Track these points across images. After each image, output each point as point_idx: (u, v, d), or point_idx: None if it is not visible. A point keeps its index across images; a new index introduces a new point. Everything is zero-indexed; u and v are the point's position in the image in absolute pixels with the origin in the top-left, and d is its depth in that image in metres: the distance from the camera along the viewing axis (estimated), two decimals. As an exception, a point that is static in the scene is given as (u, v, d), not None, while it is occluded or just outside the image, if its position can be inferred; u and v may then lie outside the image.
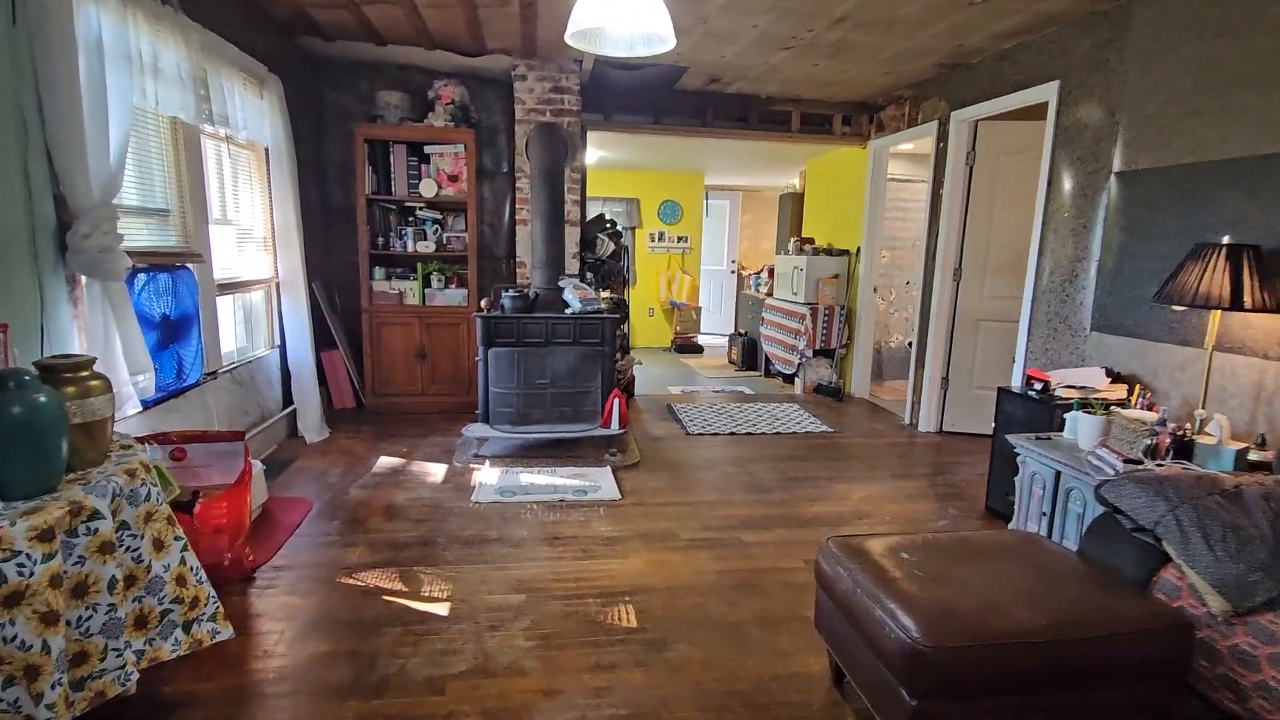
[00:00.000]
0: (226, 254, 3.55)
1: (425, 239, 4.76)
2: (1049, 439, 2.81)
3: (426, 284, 4.79)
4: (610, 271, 4.84)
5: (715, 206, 9.67)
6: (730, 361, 7.51)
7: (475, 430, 3.93)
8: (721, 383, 6.55)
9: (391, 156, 4.58)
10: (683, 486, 3.62)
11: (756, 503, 3.43)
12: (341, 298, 4.98)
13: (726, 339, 9.11)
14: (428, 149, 4.63)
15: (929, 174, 4.83)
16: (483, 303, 3.94)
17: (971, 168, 4.49)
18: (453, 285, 4.85)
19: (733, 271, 10.04)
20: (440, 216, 4.86)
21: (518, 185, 4.74)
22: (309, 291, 4.14)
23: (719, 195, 9.67)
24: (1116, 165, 3.25)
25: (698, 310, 8.55)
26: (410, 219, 4.83)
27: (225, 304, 3.58)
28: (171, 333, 2.84)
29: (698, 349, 8.40)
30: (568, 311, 4.02)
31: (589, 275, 4.72)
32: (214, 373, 3.28)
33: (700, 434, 4.62)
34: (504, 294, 4.00)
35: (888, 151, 5.56)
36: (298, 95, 4.34)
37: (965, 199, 4.54)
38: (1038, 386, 3.18)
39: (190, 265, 3.05)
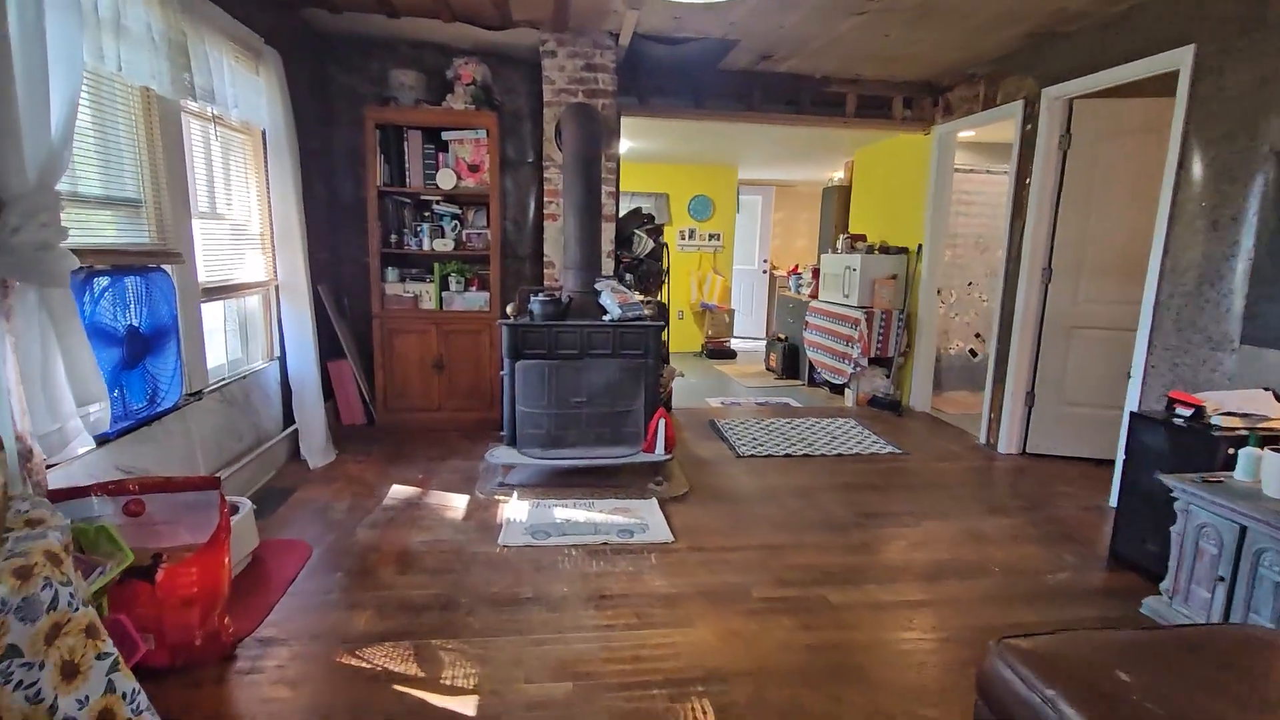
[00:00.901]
0: (215, 253, 3.07)
1: (443, 236, 4.27)
2: (1219, 482, 2.25)
3: (444, 286, 4.30)
4: (649, 272, 4.33)
5: (746, 202, 9.12)
6: (768, 369, 6.96)
7: (500, 455, 3.42)
8: (763, 393, 6.01)
9: (406, 143, 4.09)
10: (743, 524, 3.09)
11: (834, 547, 2.89)
12: (350, 302, 4.50)
13: (763, 344, 8.57)
14: (446, 135, 4.13)
15: (1008, 162, 4.25)
16: (509, 308, 3.44)
17: (1065, 153, 3.92)
18: (473, 288, 4.35)
19: (765, 271, 9.49)
20: (459, 211, 4.36)
21: (546, 176, 4.23)
22: (313, 295, 3.66)
23: (750, 190, 9.11)
24: (1278, 142, 2.67)
25: (731, 313, 8.01)
26: (426, 214, 4.34)
27: (213, 311, 3.10)
28: (142, 348, 2.35)
29: (730, 354, 7.86)
30: (606, 318, 3.50)
31: (628, 276, 4.21)
32: (198, 392, 2.79)
33: (752, 455, 4.09)
34: (533, 298, 3.49)
35: (955, 137, 4.98)
36: (301, 75, 3.86)
37: (1057, 189, 3.97)
38: (1185, 412, 2.61)
39: (167, 267, 2.57)
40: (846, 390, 5.57)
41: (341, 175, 4.43)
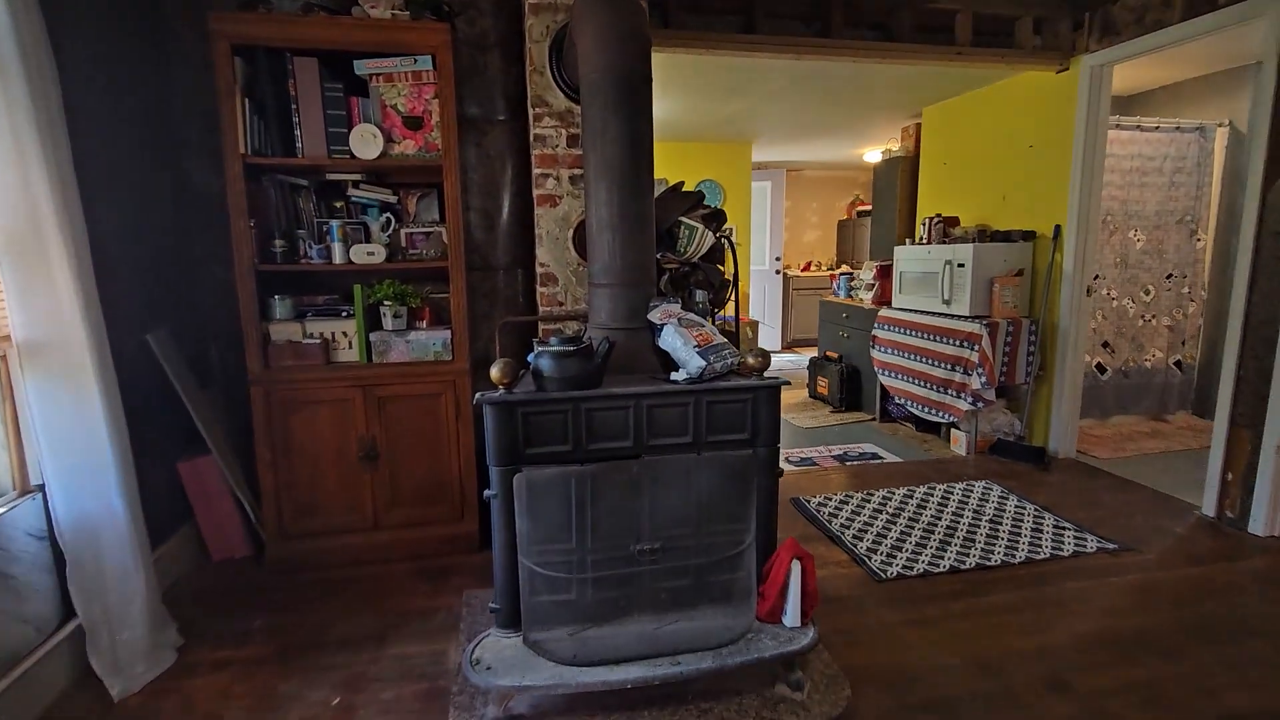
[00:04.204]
0: None
1: (366, 239, 2.57)
2: None
3: (374, 323, 2.60)
4: (708, 282, 2.73)
5: (754, 189, 7.58)
6: (816, 397, 5.41)
7: (494, 661, 1.74)
8: (830, 438, 4.44)
9: (293, 82, 2.37)
10: (1018, 805, 1.49)
11: None
12: (221, 354, 2.76)
13: (792, 362, 7.05)
14: (362, 67, 2.43)
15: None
16: (494, 370, 1.76)
17: (1373, 64, 2.46)
18: (422, 322, 2.66)
19: (777, 271, 7.97)
20: (394, 198, 2.67)
21: (537, 134, 2.57)
22: (100, 359, 1.92)
23: (758, 174, 7.57)
24: None
25: (753, 325, 6.44)
26: (338, 204, 2.63)
27: None
28: None
29: (756, 377, 6.28)
30: (677, 377, 1.86)
31: (699, 295, 2.58)
32: None
33: (898, 576, 2.50)
34: (538, 346, 1.83)
35: (1111, 73, 3.51)
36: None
37: (1358, 123, 2.51)
38: None
39: None
40: (956, 432, 4.05)
41: (194, 150, 2.69)
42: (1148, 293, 4.50)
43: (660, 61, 3.45)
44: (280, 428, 2.50)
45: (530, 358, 1.86)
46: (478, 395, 1.75)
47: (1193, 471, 3.39)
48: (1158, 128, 4.29)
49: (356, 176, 2.61)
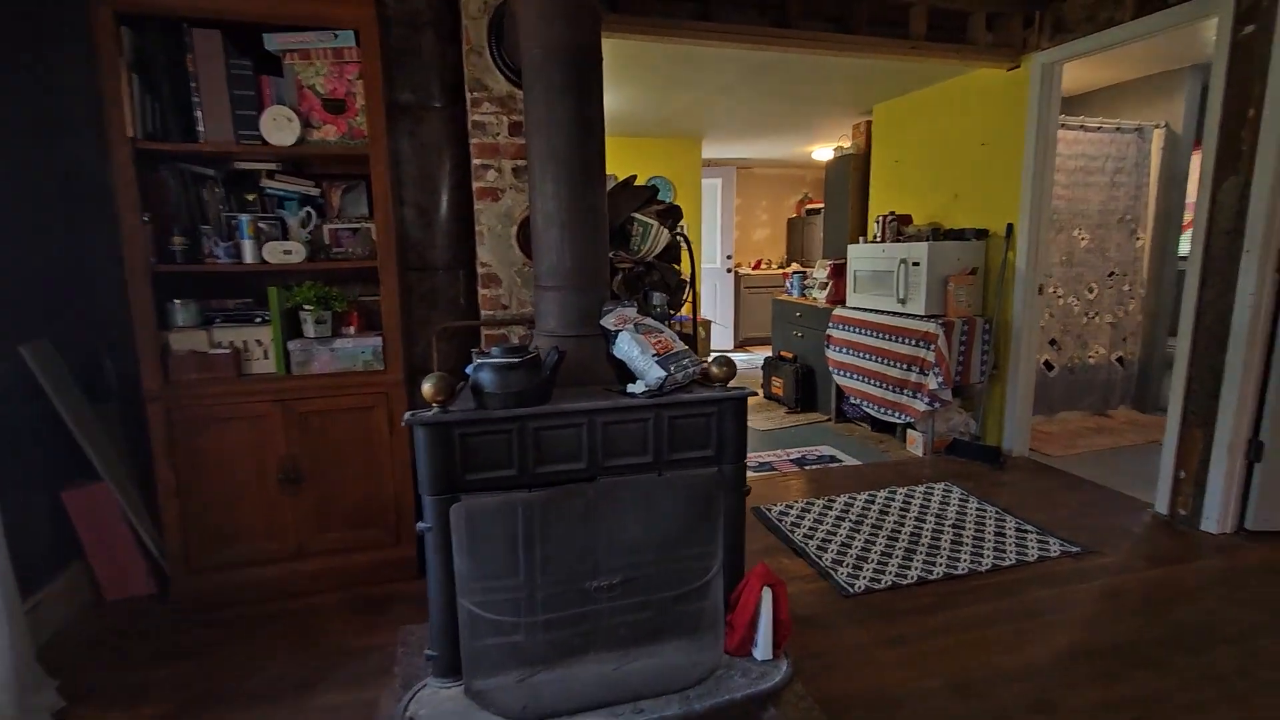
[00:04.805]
0: None
1: (284, 236, 2.30)
2: None
3: (293, 330, 2.33)
4: (664, 283, 2.55)
5: (704, 186, 7.47)
6: (771, 398, 5.32)
7: (431, 715, 1.53)
8: (787, 440, 4.35)
9: (192, 56, 2.09)
10: None
11: None
12: (118, 366, 2.43)
13: (746, 361, 6.96)
14: (273, 42, 2.16)
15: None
16: (425, 386, 1.54)
17: (1319, 64, 2.47)
18: (350, 328, 2.40)
19: (729, 270, 7.89)
20: (316, 190, 2.40)
21: (475, 120, 2.35)
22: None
23: (708, 171, 7.47)
24: None
25: (707, 326, 6.32)
26: (250, 197, 2.34)
27: None
28: None
29: (709, 378, 6.16)
30: (635, 389, 1.68)
31: (655, 297, 2.40)
32: None
33: (866, 590, 2.39)
34: (476, 358, 1.62)
35: (1061, 70, 3.50)
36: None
37: (1304, 122, 2.52)
38: None
39: None
40: (912, 432, 4.00)
41: (81, 131, 2.35)
42: (1091, 291, 4.56)
43: (608, 49, 3.26)
44: (185, 449, 2.21)
45: (469, 370, 1.65)
46: (407, 415, 1.53)
47: (1141, 467, 3.42)
48: (1100, 128, 4.34)
49: (272, 166, 2.33)
